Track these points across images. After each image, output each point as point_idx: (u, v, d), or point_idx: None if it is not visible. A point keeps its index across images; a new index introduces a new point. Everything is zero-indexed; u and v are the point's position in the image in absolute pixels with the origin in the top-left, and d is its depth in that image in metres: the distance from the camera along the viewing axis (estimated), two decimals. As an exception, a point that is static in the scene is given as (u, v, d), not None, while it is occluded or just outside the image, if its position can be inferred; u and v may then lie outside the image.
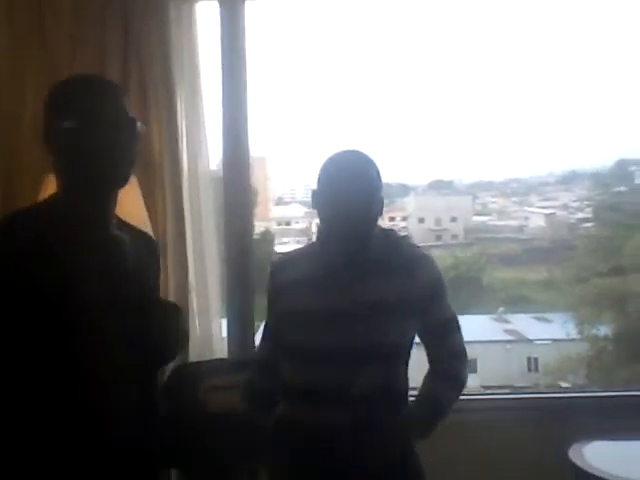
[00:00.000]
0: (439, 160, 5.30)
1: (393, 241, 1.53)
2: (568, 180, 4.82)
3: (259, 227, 4.18)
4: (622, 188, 4.38)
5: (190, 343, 1.84)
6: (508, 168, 4.98)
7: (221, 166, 2.15)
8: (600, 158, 4.50)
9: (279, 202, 4.51)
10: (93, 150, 1.08)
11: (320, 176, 1.44)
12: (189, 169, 1.96)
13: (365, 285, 1.44)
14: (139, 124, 1.13)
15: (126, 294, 1.16)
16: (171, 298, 1.88)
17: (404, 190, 5.08)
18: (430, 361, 1.53)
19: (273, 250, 4.12)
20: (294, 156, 4.82)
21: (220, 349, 2.00)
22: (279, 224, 4.33)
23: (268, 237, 4.16)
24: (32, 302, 1.04)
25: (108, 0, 1.90)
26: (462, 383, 1.52)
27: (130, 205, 1.72)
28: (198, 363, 1.85)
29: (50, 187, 1.67)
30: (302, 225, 4.31)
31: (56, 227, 1.10)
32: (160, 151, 1.96)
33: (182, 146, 1.97)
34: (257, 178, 4.66)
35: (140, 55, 1.91)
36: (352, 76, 4.28)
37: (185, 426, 1.62)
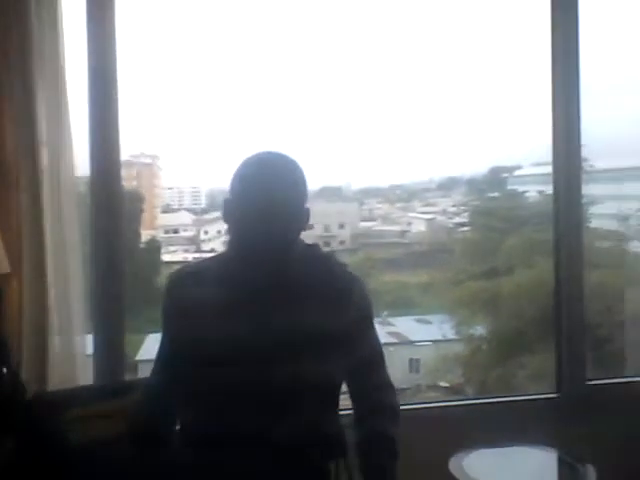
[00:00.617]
0: (327, 167, 5.42)
1: (320, 260, 1.28)
2: (446, 186, 5.08)
3: (145, 235, 4.09)
4: (495, 194, 4.67)
5: (49, 362, 1.68)
6: (393, 175, 5.16)
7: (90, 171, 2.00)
8: (475, 165, 4.77)
9: (166, 209, 4.42)
10: None
11: (234, 182, 1.21)
12: (51, 174, 1.82)
13: (287, 313, 1.19)
14: None
15: None
16: (26, 313, 1.72)
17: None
18: (355, 397, 1.30)
19: (160, 259, 4.04)
20: (182, 161, 4.73)
21: (84, 369, 1.84)
22: (166, 232, 4.25)
23: (154, 245, 4.07)
24: None
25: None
26: (399, 415, 1.30)
27: None
28: (62, 390, 1.61)
29: None
30: (190, 233, 4.25)
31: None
32: (15, 154, 1.81)
33: (41, 149, 1.82)
34: (143, 185, 4.55)
35: None
36: (237, 79, 4.25)
37: (42, 462, 1.37)
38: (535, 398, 2.33)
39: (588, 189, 2.94)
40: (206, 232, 4.23)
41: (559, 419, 2.09)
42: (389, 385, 1.36)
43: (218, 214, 4.59)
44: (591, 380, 2.39)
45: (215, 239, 4.16)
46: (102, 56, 1.91)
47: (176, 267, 4.22)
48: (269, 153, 1.24)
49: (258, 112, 4.41)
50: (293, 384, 1.18)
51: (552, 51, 2.45)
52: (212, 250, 4.11)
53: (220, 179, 4.61)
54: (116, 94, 1.94)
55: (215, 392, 1.20)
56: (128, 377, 3.47)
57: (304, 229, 1.24)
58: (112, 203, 1.93)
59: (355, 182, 5.65)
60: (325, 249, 1.38)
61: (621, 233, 3.52)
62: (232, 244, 1.26)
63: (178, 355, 1.24)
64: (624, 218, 3.59)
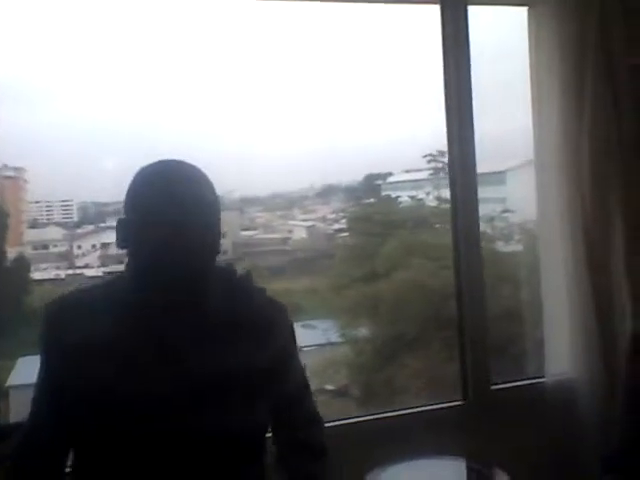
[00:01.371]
0: (209, 177, 5.33)
1: (237, 285, 1.11)
2: (325, 194, 5.20)
3: (12, 253, 3.83)
4: (371, 200, 4.85)
5: None
6: (272, 183, 5.20)
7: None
8: (351, 173, 4.93)
9: (34, 224, 4.17)
10: None
11: (130, 200, 1.03)
12: None
13: (201, 352, 1.02)
14: None
15: None
16: None
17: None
18: (279, 434, 1.14)
19: (29, 277, 3.80)
20: (50, 173, 4.49)
21: None
22: (35, 248, 4.01)
23: (23, 263, 3.82)
24: None
25: None
26: (327, 452, 1.17)
27: None
28: None
29: None
30: (62, 248, 4.04)
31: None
32: None
33: None
34: (8, 199, 4.26)
35: None
36: (103, 82, 4.10)
37: None
38: (442, 407, 2.37)
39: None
40: (79, 247, 4.03)
41: (466, 426, 2.13)
42: (316, 419, 1.24)
43: (92, 227, 4.39)
44: (496, 384, 2.42)
45: (90, 254, 3.98)
46: None
47: (50, 289, 3.99)
48: (168, 162, 1.08)
49: (131, 117, 4.28)
50: (209, 437, 1.01)
51: (443, 60, 2.55)
52: (87, 265, 3.93)
53: (93, 190, 4.42)
54: None
55: (116, 446, 1.01)
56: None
57: (219, 249, 1.08)
58: None
59: (234, 191, 5.65)
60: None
61: (488, 234, 3.78)
62: (131, 270, 1.07)
63: (64, 404, 1.04)
64: (489, 219, 3.86)
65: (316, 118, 4.90)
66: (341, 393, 3.51)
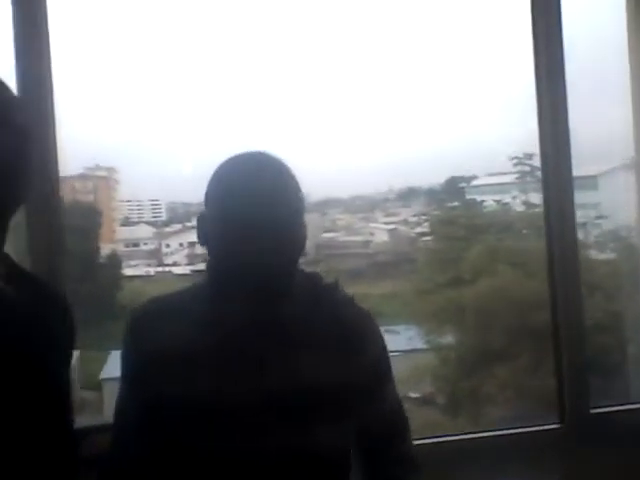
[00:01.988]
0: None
1: (323, 293, 1.02)
2: (407, 196, 5.14)
3: (105, 250, 3.98)
4: (455, 203, 4.75)
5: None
6: (353, 185, 5.19)
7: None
8: (433, 176, 4.85)
9: (126, 222, 4.32)
10: None
11: (210, 194, 0.97)
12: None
13: (284, 363, 0.94)
14: (30, 130, 0.85)
15: (17, 387, 0.81)
16: None
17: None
18: (367, 473, 1.04)
19: (121, 274, 3.93)
20: (141, 173, 4.64)
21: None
22: (126, 246, 4.15)
23: (115, 260, 3.96)
24: None
25: None
26: None
27: None
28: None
29: None
30: (151, 246, 4.16)
31: None
32: None
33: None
34: (100, 198, 4.43)
35: None
36: (194, 88, 4.20)
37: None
38: (537, 430, 2.17)
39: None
40: (168, 245, 4.15)
41: (563, 451, 1.94)
42: (412, 460, 1.09)
43: (179, 226, 4.51)
44: (595, 408, 2.18)
45: (178, 252, 4.08)
46: (36, 71, 1.72)
47: (140, 286, 4.10)
48: (254, 154, 0.98)
49: (216, 122, 4.37)
50: (290, 455, 0.93)
51: (535, 63, 2.43)
52: (175, 263, 4.03)
53: (181, 190, 4.54)
54: (52, 109, 1.75)
55: (203, 463, 0.93)
56: (92, 396, 3.37)
57: (303, 252, 0.98)
58: (51, 219, 1.73)
59: (315, 193, 5.68)
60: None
61: (580, 241, 3.63)
62: (212, 273, 0.99)
63: (149, 418, 0.97)
64: (582, 225, 3.70)
65: (398, 119, 4.85)
66: (426, 401, 3.44)
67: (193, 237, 3.93)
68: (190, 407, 0.93)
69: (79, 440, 1.08)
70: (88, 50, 3.64)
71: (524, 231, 4.35)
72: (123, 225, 4.27)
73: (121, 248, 4.11)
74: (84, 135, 3.93)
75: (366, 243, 4.72)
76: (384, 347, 1.07)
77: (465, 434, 2.07)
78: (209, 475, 0.93)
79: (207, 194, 0.99)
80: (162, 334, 0.98)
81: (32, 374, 0.84)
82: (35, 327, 0.87)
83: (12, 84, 1.65)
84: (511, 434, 2.09)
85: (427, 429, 2.85)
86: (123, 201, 4.37)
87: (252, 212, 0.91)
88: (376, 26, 3.95)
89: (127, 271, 3.96)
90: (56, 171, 1.79)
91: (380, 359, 1.05)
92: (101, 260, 3.90)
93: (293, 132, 4.84)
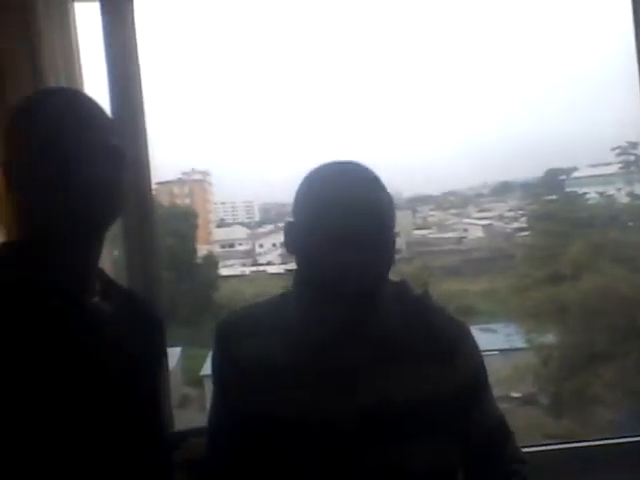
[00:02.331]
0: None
1: (414, 303, 0.99)
2: (501, 191, 4.99)
3: (201, 251, 4.11)
4: (553, 197, 4.56)
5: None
6: (445, 181, 5.10)
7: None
8: (529, 169, 4.67)
9: (221, 224, 4.44)
10: (62, 185, 0.80)
11: (300, 203, 0.95)
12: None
13: (374, 382, 0.91)
14: (124, 150, 0.88)
15: (111, 399, 0.83)
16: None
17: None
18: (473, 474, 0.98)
19: (217, 274, 4.05)
20: (233, 176, 4.76)
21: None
22: (222, 246, 4.26)
23: (211, 261, 4.09)
24: None
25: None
26: None
27: None
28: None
29: None
30: (246, 247, 4.26)
31: (6, 289, 0.80)
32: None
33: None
34: (197, 200, 4.59)
35: (2, 72, 1.62)
36: (287, 91, 4.25)
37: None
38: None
39: None
40: (261, 245, 4.23)
41: None
42: (521, 460, 1.03)
43: (272, 227, 4.60)
44: None
45: (271, 252, 4.15)
46: (125, 81, 1.78)
47: (236, 285, 4.17)
48: (344, 164, 0.95)
49: (306, 123, 4.41)
50: (386, 467, 0.89)
51: (637, 44, 2.27)
52: (269, 263, 4.10)
53: (273, 191, 4.63)
54: (143, 115, 1.80)
55: (279, 471, 0.92)
56: (194, 392, 3.47)
57: (394, 261, 0.94)
58: (145, 227, 1.78)
59: (405, 190, 5.62)
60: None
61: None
62: (300, 283, 0.96)
63: (239, 425, 0.96)
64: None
65: (490, 110, 4.71)
66: (528, 401, 3.31)
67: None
68: (279, 418, 0.92)
69: (178, 443, 1.11)
70: (181, 61, 3.76)
71: (630, 224, 4.11)
72: (218, 227, 4.40)
73: (217, 249, 4.23)
74: (181, 141, 4.09)
75: (459, 239, 4.61)
76: (480, 356, 1.01)
77: (570, 442, 1.92)
78: None
79: (296, 203, 0.97)
80: (251, 343, 0.97)
81: (126, 387, 0.86)
82: (129, 341, 0.89)
83: (106, 101, 1.75)
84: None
85: (530, 430, 2.74)
86: (218, 203, 4.50)
87: (343, 223, 0.89)
88: (457, 17, 3.86)
89: (223, 271, 4.07)
90: (149, 184, 1.84)
91: (477, 369, 1.00)
92: (198, 261, 4.03)
93: (382, 129, 4.82)
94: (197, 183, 4.47)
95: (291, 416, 0.91)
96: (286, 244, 0.96)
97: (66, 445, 0.81)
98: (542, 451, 1.83)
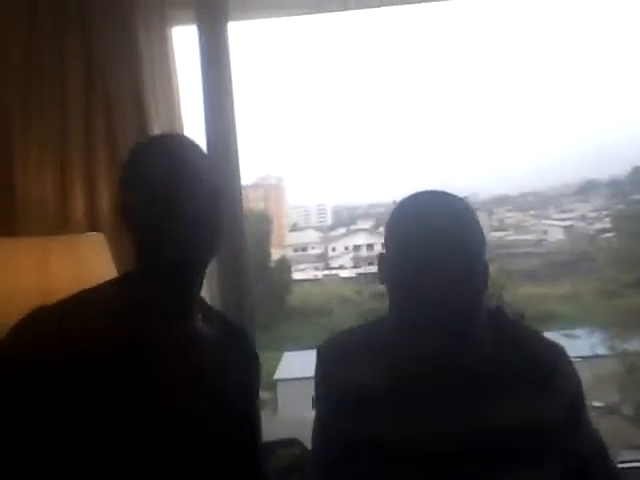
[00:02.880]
0: (451, 177, 5.26)
1: (509, 331, 1.00)
2: (584, 191, 4.78)
3: (275, 254, 4.16)
4: (641, 196, 4.32)
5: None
6: (523, 182, 4.93)
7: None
8: (615, 166, 4.45)
9: (294, 228, 4.48)
10: (173, 227, 0.91)
11: (392, 233, 0.98)
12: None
13: (471, 411, 0.92)
14: (223, 189, 0.97)
15: (211, 412, 0.91)
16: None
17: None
18: None
19: (290, 278, 4.08)
20: (305, 180, 4.80)
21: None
22: (295, 250, 4.30)
23: (285, 264, 4.13)
24: (84, 410, 0.82)
25: (66, 28, 1.73)
26: None
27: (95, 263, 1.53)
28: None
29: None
30: (318, 250, 4.27)
31: (127, 316, 0.90)
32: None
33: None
34: (271, 205, 4.65)
35: (107, 89, 1.71)
36: (356, 95, 4.25)
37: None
38: None
39: None
40: (334, 249, 4.23)
41: None
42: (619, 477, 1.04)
43: (344, 230, 4.60)
44: None
45: (343, 255, 4.15)
46: (218, 87, 1.86)
47: (308, 289, 4.17)
48: (432, 193, 0.98)
49: (377, 127, 4.39)
50: None
51: None
52: (341, 266, 4.10)
53: (345, 195, 4.62)
54: (233, 119, 1.88)
55: None
56: (267, 396, 3.52)
57: (486, 290, 0.95)
58: (234, 230, 1.86)
59: (481, 192, 5.45)
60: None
61: None
62: (395, 312, 0.98)
63: (342, 455, 0.99)
64: None
65: (570, 105, 4.52)
66: (611, 410, 3.14)
67: (358, 240, 3.94)
68: (378, 441, 0.95)
69: (268, 456, 1.22)
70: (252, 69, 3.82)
71: None
72: (292, 231, 4.44)
73: (290, 253, 4.27)
74: (256, 146, 4.16)
75: (539, 242, 4.44)
76: (577, 376, 1.00)
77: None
78: None
79: (387, 235, 0.99)
80: (351, 368, 1.01)
81: (225, 406, 0.94)
82: (229, 364, 0.98)
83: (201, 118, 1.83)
84: None
85: (613, 440, 2.58)
86: (291, 207, 4.54)
87: (433, 255, 0.91)
88: (535, 19, 3.72)
89: (296, 275, 4.10)
90: (241, 204, 1.91)
91: (576, 390, 0.99)
92: (272, 264, 4.08)
93: (457, 130, 4.72)
94: (272, 188, 4.53)
95: (391, 440, 0.93)
96: (379, 275, 0.99)
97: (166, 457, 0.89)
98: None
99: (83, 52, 1.74)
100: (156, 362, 0.91)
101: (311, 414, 1.17)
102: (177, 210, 0.92)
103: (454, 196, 0.97)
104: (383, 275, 0.97)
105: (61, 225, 1.71)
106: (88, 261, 1.52)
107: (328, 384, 1.03)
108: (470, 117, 4.67)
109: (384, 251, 0.99)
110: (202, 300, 1.01)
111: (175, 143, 1.01)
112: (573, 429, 0.96)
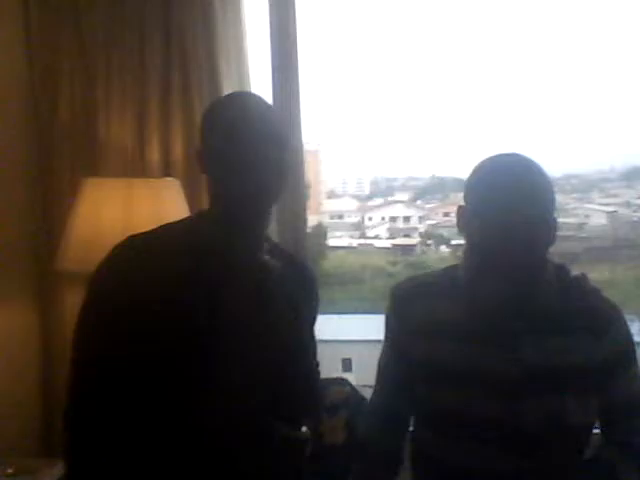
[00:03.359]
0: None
1: (572, 283, 1.16)
2: (630, 177, 4.67)
3: (312, 221, 4.14)
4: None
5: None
6: (568, 164, 4.82)
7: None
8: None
9: (331, 195, 4.45)
10: (244, 167, 1.03)
11: (472, 189, 1.13)
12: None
13: (537, 344, 1.09)
14: (287, 136, 1.12)
15: (272, 335, 1.05)
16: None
17: (459, 184, 4.96)
18: (608, 438, 1.19)
19: (326, 244, 4.07)
20: (345, 148, 4.76)
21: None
22: (332, 217, 4.28)
23: (321, 231, 4.11)
24: (164, 328, 0.96)
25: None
26: None
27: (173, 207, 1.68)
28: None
29: (89, 192, 1.65)
30: (354, 219, 4.25)
31: (204, 246, 1.03)
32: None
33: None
34: (309, 171, 4.63)
35: (183, 46, 1.84)
36: (403, 66, 4.18)
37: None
38: None
39: None
40: (370, 218, 4.21)
41: None
42: None
43: (382, 200, 4.56)
44: None
45: (379, 225, 4.12)
46: (284, 54, 1.97)
47: (343, 256, 4.19)
48: (508, 156, 1.13)
49: (422, 101, 4.31)
50: (542, 423, 1.07)
51: None
52: (377, 236, 4.08)
53: (384, 166, 4.57)
54: (297, 91, 2.00)
55: (459, 425, 1.10)
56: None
57: (553, 243, 1.12)
58: (297, 192, 2.04)
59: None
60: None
61: None
62: (469, 258, 1.15)
63: (411, 379, 1.17)
64: None
65: (620, 90, 4.38)
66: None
67: (394, 212, 3.92)
68: (446, 369, 1.09)
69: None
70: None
71: None
72: (329, 197, 4.41)
73: (326, 220, 4.25)
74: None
75: (580, 225, 4.36)
76: (630, 337, 1.16)
77: None
78: (467, 431, 1.08)
79: (467, 189, 1.14)
80: (421, 305, 1.16)
81: (292, 328, 1.08)
82: (293, 292, 1.11)
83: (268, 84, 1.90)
84: None
85: None
86: (329, 174, 4.51)
87: (510, 209, 1.04)
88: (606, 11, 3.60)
89: (331, 241, 4.10)
90: (303, 171, 2.09)
91: (625, 348, 1.15)
92: (308, 230, 4.07)
93: (503, 107, 4.61)
94: (310, 154, 4.50)
95: (458, 368, 1.07)
96: (458, 225, 1.14)
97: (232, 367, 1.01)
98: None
99: (162, 13, 1.85)
100: (227, 290, 1.01)
101: (340, 375, 1.35)
102: (248, 153, 1.03)
103: (528, 157, 1.11)
104: (462, 225, 1.11)
105: (139, 170, 1.85)
106: (166, 203, 1.67)
107: (400, 318, 1.17)
108: (517, 94, 4.56)
109: (463, 204, 1.13)
110: (269, 237, 1.14)
111: (249, 98, 1.16)
112: (616, 377, 1.11)
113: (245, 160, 1.03)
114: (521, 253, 1.05)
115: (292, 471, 1.14)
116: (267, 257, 1.11)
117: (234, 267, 1.04)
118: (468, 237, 1.13)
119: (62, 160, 1.95)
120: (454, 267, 1.19)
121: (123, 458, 0.98)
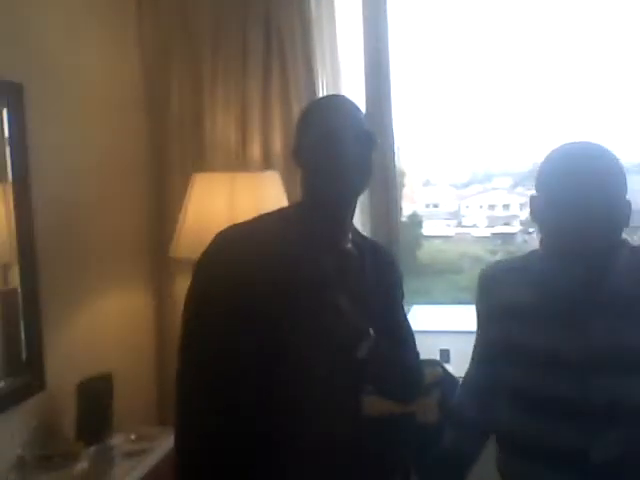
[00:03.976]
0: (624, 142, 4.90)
1: None
2: None
3: (407, 209, 4.16)
4: None
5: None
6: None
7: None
8: None
9: (427, 184, 4.44)
10: (334, 164, 1.14)
11: (543, 177, 1.16)
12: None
13: (609, 326, 1.12)
14: (375, 136, 1.20)
15: (357, 318, 1.13)
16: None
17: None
18: None
19: (421, 232, 4.08)
20: (441, 137, 4.73)
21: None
22: (427, 206, 4.28)
23: (416, 219, 4.13)
24: (255, 312, 1.06)
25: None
26: None
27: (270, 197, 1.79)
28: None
29: (198, 185, 1.80)
30: (451, 207, 4.22)
31: (295, 235, 1.14)
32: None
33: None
34: (404, 159, 4.63)
35: (282, 50, 1.96)
36: (501, 56, 4.11)
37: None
38: None
39: None
40: (467, 207, 4.17)
41: None
42: None
43: (480, 188, 4.49)
44: None
45: (477, 214, 4.08)
46: (376, 48, 2.04)
47: (439, 245, 4.18)
48: (578, 143, 1.16)
49: (522, 88, 4.20)
50: (613, 402, 1.11)
51: None
52: (474, 225, 4.03)
53: (482, 153, 4.50)
54: (388, 86, 2.06)
55: (537, 402, 1.17)
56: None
57: (627, 225, 1.13)
58: (388, 182, 2.14)
59: (636, 155, 5.03)
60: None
61: None
62: (545, 245, 1.20)
63: (494, 358, 1.25)
64: None
65: None
66: None
67: (493, 200, 3.88)
68: (528, 347, 1.15)
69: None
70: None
71: None
72: (425, 185, 4.41)
73: (422, 208, 4.26)
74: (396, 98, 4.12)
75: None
76: None
77: None
78: (541, 410, 1.14)
79: (538, 179, 1.18)
80: (506, 292, 1.23)
81: (373, 311, 1.16)
82: (371, 276, 1.19)
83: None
84: None
85: None
86: (425, 162, 4.49)
87: (581, 196, 1.07)
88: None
89: (427, 230, 4.10)
90: (394, 166, 2.18)
91: None
92: (403, 219, 4.09)
93: (602, 95, 4.41)
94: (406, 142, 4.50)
95: (534, 349, 1.14)
96: (531, 214, 1.20)
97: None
98: None
99: (263, 19, 1.99)
100: (315, 276, 1.11)
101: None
102: (338, 151, 1.12)
103: (597, 143, 1.12)
104: (535, 214, 1.16)
105: (242, 165, 2.02)
106: (267, 194, 1.79)
107: (487, 300, 1.25)
108: (616, 83, 4.35)
109: (535, 193, 1.17)
110: (355, 228, 1.23)
111: (340, 100, 1.27)
112: None
113: (334, 157, 1.12)
114: (596, 237, 1.08)
115: (389, 448, 1.33)
116: (349, 246, 1.20)
117: (322, 255, 1.14)
118: (542, 225, 1.18)
119: (174, 157, 2.12)
120: (535, 252, 1.25)
121: (227, 438, 1.10)
